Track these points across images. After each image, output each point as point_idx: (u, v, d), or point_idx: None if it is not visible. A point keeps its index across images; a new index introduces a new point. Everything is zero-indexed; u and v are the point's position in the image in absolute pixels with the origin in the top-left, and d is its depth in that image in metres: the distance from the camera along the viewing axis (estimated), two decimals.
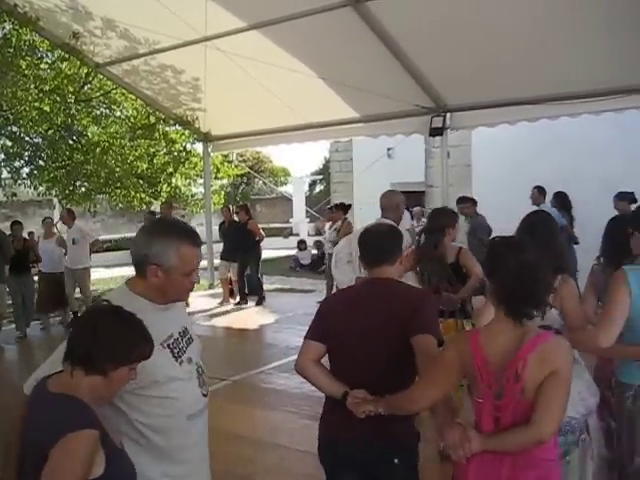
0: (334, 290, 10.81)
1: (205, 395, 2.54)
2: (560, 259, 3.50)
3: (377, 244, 3.08)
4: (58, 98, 11.76)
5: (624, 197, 8.61)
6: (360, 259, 3.18)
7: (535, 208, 8.28)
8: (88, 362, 1.98)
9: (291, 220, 27.26)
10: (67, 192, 12.97)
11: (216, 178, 14.66)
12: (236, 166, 15.79)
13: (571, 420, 3.14)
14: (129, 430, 2.28)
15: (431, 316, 2.90)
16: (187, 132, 13.06)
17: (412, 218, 13.09)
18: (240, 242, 11.78)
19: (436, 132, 9.62)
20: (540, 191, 10.00)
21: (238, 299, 12.06)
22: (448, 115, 9.60)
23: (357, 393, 2.74)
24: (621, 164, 12.46)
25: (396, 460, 2.79)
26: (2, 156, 12.29)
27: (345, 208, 11.53)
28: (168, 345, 2.35)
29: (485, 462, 2.39)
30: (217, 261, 13.06)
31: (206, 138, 12.73)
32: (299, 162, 73.62)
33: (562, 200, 9.71)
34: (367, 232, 3.19)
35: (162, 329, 2.31)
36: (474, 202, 9.66)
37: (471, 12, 7.51)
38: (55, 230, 10.91)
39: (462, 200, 9.65)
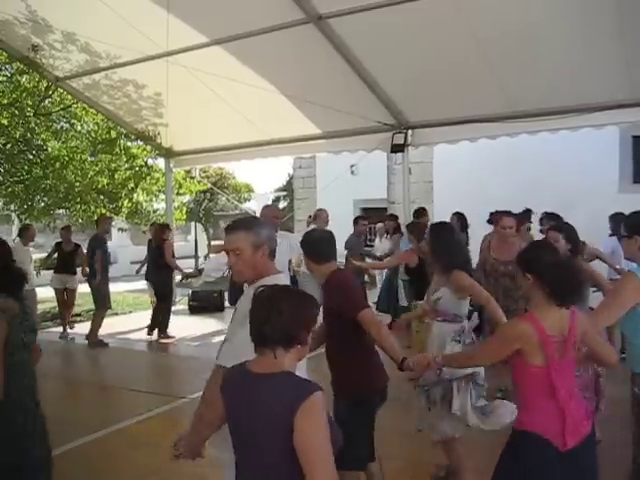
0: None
1: None
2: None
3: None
4: (16, 112, 11.59)
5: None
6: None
7: None
8: (289, 340, 2.26)
9: None
10: (25, 207, 12.75)
11: (178, 194, 14.55)
12: (199, 182, 15.68)
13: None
14: None
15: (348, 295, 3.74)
16: (149, 147, 12.94)
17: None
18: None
19: (397, 149, 9.69)
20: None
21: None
22: (409, 132, 9.70)
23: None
24: (576, 180, 12.74)
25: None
26: None
27: None
28: None
29: None
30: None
31: (168, 154, 12.65)
32: (263, 178, 73.53)
33: (460, 220, 9.98)
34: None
35: None
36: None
37: (432, 31, 7.62)
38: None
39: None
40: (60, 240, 11.13)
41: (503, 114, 8.73)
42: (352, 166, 14.76)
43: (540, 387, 2.88)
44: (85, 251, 10.62)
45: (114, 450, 5.50)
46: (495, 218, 6.55)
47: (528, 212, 8.76)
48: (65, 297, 10.97)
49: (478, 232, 9.59)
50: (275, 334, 2.24)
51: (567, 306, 2.93)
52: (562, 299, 2.92)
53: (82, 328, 11.25)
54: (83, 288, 11.12)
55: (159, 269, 10.62)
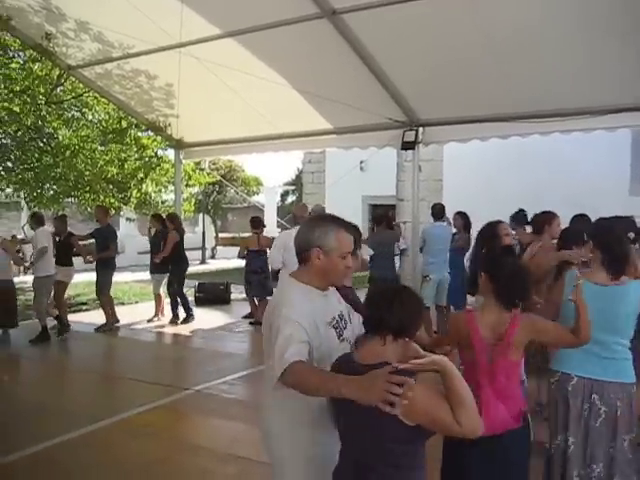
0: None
1: None
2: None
3: None
4: (28, 99, 11.60)
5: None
6: None
7: None
8: (401, 329, 2.45)
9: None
10: (35, 195, 12.78)
11: (187, 185, 14.56)
12: (208, 174, 15.69)
13: None
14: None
15: None
16: (159, 138, 12.95)
17: None
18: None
19: (408, 146, 9.65)
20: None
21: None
22: (420, 129, 9.64)
23: None
24: (586, 181, 12.68)
25: None
26: None
27: (254, 223, 11.06)
28: (333, 325, 2.73)
29: None
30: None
31: (178, 145, 12.63)
32: (272, 172, 72.99)
33: (463, 219, 9.93)
34: None
35: (328, 312, 2.74)
36: None
37: (445, 29, 7.57)
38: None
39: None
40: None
41: (515, 114, 8.66)
42: (361, 162, 14.76)
43: (468, 380, 3.02)
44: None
45: (115, 440, 5.51)
46: (547, 218, 5.79)
47: (521, 212, 8.74)
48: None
49: None
50: (392, 319, 2.43)
51: (510, 309, 3.16)
52: (507, 302, 3.16)
53: (86, 317, 11.32)
54: (89, 277, 11.14)
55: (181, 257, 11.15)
